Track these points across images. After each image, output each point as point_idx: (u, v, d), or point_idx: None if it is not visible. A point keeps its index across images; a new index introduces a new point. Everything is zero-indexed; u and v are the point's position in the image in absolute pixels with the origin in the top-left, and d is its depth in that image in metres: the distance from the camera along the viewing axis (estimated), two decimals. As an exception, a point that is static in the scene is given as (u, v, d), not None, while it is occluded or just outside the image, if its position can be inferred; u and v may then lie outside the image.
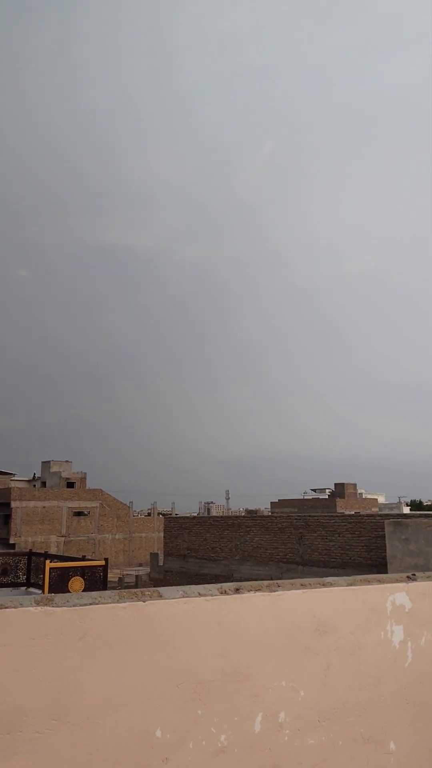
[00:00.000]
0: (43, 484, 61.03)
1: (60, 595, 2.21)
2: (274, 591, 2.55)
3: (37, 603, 2.11)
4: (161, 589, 2.39)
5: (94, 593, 2.29)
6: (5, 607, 2.04)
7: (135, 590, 2.36)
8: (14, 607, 2.05)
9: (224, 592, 2.47)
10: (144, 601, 2.26)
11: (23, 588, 19.56)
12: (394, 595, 2.80)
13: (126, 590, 2.36)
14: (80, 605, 2.15)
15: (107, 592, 2.31)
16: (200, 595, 2.41)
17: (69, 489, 57.33)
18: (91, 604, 2.17)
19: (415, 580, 2.92)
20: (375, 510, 58.65)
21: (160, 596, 2.34)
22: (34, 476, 65.18)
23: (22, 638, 2.03)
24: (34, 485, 62.56)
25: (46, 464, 62.05)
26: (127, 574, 43.94)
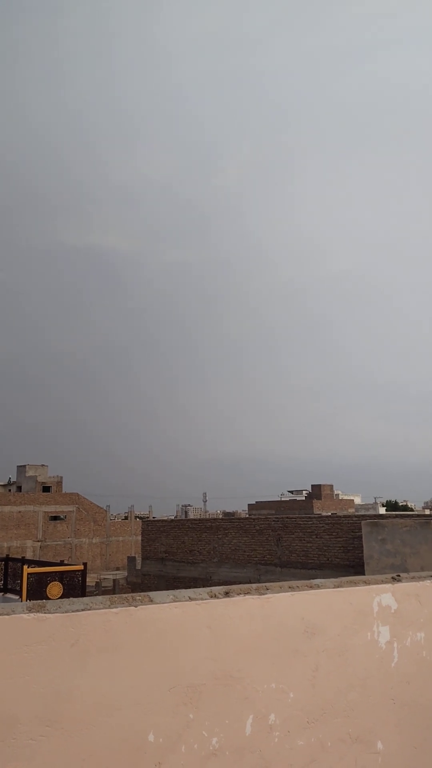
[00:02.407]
0: (19, 488, 60.43)
1: (52, 601, 2.21)
2: (263, 594, 2.57)
3: (30, 610, 2.11)
4: (152, 594, 2.40)
5: (86, 599, 2.29)
6: (-2, 615, 2.03)
7: (126, 595, 2.37)
8: (7, 614, 2.04)
9: (214, 596, 2.49)
10: (136, 606, 2.27)
11: (0, 594, 19.36)
12: (380, 596, 2.84)
13: (117, 595, 2.37)
14: (72, 611, 2.15)
15: (99, 598, 2.31)
16: (190, 599, 2.42)
17: (45, 493, 56.83)
18: (83, 609, 2.18)
19: (400, 581, 2.96)
20: (351, 511, 59.05)
21: (151, 601, 2.34)
22: (9, 480, 64.52)
23: (14, 645, 2.02)
24: (10, 490, 61.91)
25: (21, 468, 61.47)
26: (104, 579, 43.64)
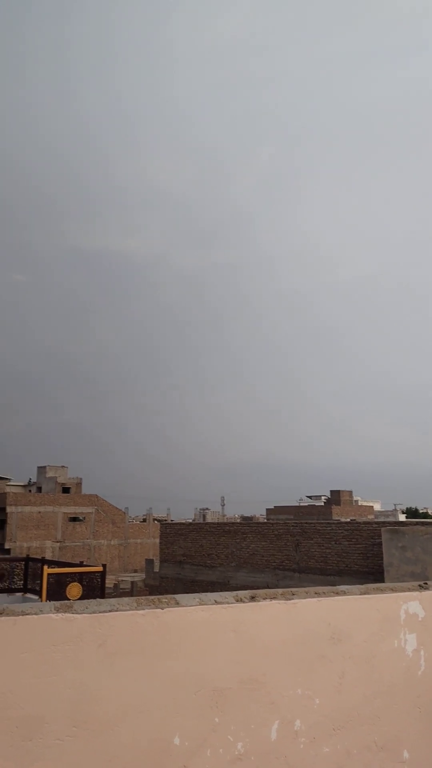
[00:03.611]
0: (39, 489, 60.84)
1: (80, 601, 2.21)
2: (290, 599, 2.56)
3: (57, 610, 2.12)
4: (178, 597, 2.40)
5: (113, 600, 2.29)
6: (27, 614, 2.04)
7: (152, 597, 2.37)
8: (35, 614, 2.05)
9: (240, 600, 2.48)
10: (162, 609, 2.27)
11: (20, 594, 19.48)
12: (407, 604, 2.81)
13: (144, 597, 2.37)
14: (100, 612, 2.16)
15: (125, 599, 2.31)
16: (216, 602, 2.41)
17: (64, 494, 57.17)
18: (110, 611, 2.18)
19: (427, 588, 2.93)
20: (371, 517, 58.61)
21: (177, 603, 2.34)
22: (29, 481, 64.99)
23: (43, 645, 2.03)
24: (30, 490, 62.35)
25: (41, 469, 61.89)
26: (122, 580, 43.77)
